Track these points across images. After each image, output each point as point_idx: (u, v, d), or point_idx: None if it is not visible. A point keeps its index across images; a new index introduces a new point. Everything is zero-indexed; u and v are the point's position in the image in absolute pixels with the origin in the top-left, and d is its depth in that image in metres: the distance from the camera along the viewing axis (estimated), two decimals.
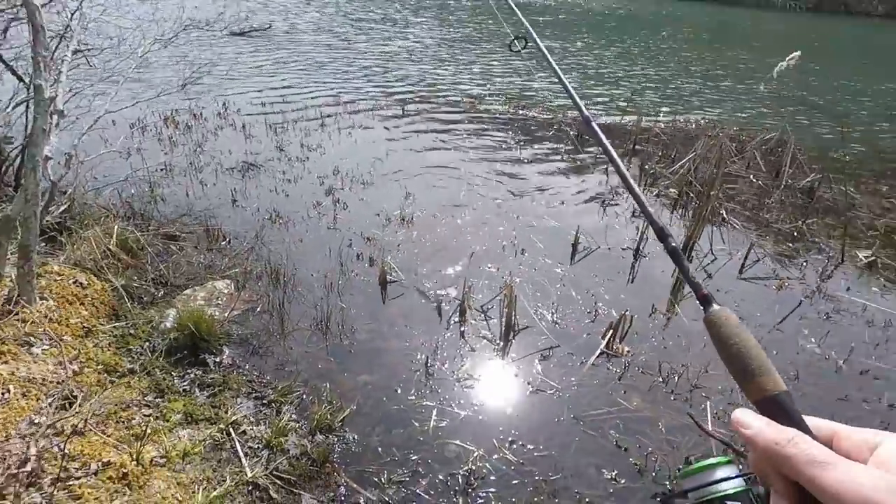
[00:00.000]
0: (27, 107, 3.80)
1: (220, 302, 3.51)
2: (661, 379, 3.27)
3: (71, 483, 1.96)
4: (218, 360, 3.03)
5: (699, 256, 4.73)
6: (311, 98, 8.62)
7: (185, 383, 2.79)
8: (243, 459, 2.37)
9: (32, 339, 2.61)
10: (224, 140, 6.51)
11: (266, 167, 5.83)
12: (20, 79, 3.99)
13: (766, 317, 3.92)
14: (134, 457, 2.16)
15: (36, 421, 2.18)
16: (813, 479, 0.39)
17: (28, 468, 1.96)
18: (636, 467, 2.69)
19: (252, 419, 2.64)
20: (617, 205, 5.62)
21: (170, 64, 8.98)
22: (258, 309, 3.55)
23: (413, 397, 2.97)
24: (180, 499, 2.09)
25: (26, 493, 1.87)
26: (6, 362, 2.42)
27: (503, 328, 3.55)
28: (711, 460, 0.58)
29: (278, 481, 2.33)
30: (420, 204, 5.27)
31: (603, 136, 0.90)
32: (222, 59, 10.70)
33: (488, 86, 10.53)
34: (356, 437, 2.68)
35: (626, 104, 9.42)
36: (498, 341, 3.50)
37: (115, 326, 3.02)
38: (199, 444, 2.39)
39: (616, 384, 3.21)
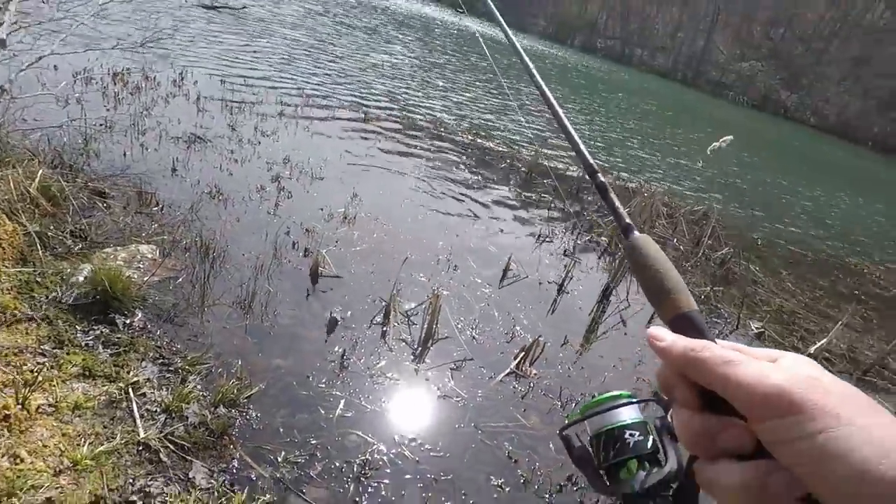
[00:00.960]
0: None
1: (140, 266, 3.41)
2: (559, 403, 3.50)
3: None
4: (128, 321, 2.95)
5: (617, 301, 5.09)
6: (275, 87, 8.54)
7: (88, 338, 2.70)
8: (138, 420, 2.33)
9: None
10: (174, 108, 6.33)
11: (214, 143, 5.72)
12: None
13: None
14: (19, 401, 2.08)
15: None
16: (727, 376, 0.40)
17: None
18: (523, 479, 2.86)
19: (154, 383, 2.59)
20: (551, 242, 5.95)
21: (130, 20, 8.65)
22: (180, 279, 3.48)
23: (323, 386, 3.02)
24: (63, 449, 2.03)
25: None
26: None
27: (423, 335, 3.67)
28: (612, 392, 0.58)
29: (171, 446, 2.30)
30: (365, 206, 5.35)
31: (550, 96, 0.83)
32: (188, 28, 10.41)
33: (455, 112, 10.86)
34: (259, 415, 2.69)
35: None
36: (416, 346, 3.62)
37: (20, 271, 2.88)
38: (94, 399, 2.32)
39: (518, 402, 3.40)
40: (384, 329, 3.69)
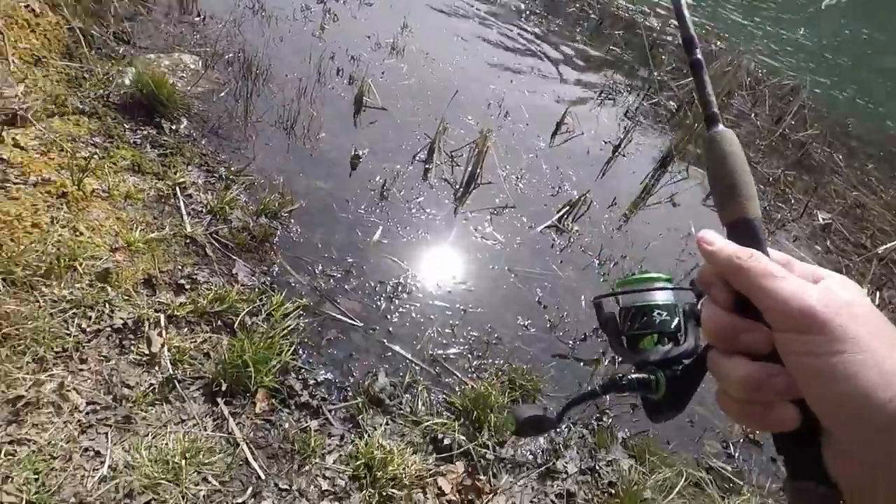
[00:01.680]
0: None
1: (183, 75, 3.33)
2: (597, 261, 3.45)
3: (8, 185, 1.97)
4: (174, 127, 2.95)
5: (674, 171, 4.77)
6: None
7: (136, 137, 2.73)
8: (185, 216, 2.43)
9: None
10: None
11: None
12: None
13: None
14: (75, 182, 2.17)
15: None
16: (765, 288, 0.41)
17: None
18: (549, 323, 2.93)
19: (200, 186, 2.65)
20: (613, 101, 5.47)
21: None
22: (223, 93, 3.40)
23: (362, 212, 3.04)
24: (117, 231, 2.15)
25: None
26: None
27: (466, 176, 3.58)
28: (651, 273, 0.60)
29: (216, 243, 2.41)
30: (415, 39, 4.95)
31: None
32: None
33: None
34: (299, 229, 2.77)
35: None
36: (458, 187, 3.55)
37: (67, 65, 2.85)
38: (143, 192, 2.41)
39: (556, 254, 3.38)
40: (427, 166, 3.60)
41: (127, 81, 3.00)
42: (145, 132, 2.78)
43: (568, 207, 3.63)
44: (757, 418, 0.43)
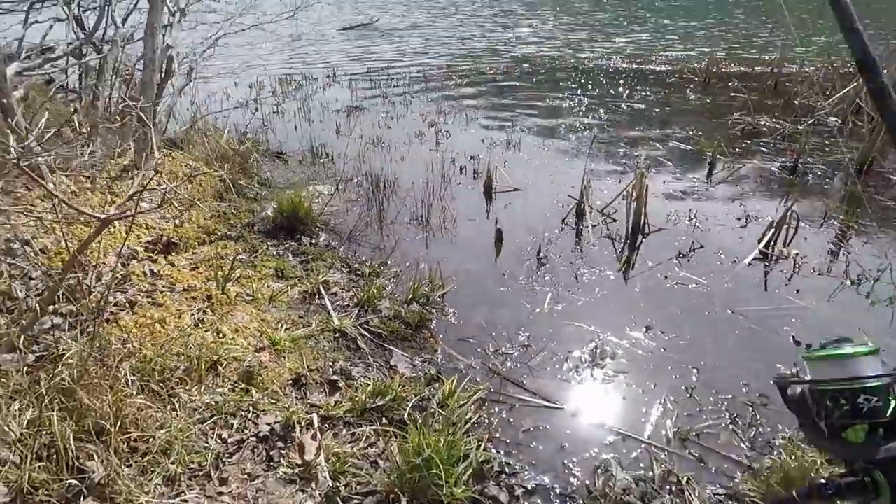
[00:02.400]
0: None
1: (319, 200, 3.36)
2: (840, 281, 2.52)
3: (155, 293, 1.82)
4: (314, 241, 2.85)
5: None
6: (416, 64, 8.59)
7: (279, 250, 2.63)
8: (331, 311, 2.11)
9: (145, 194, 2.59)
10: (331, 93, 6.60)
11: (369, 109, 5.77)
12: None
13: None
14: (220, 288, 1.99)
15: (134, 248, 2.10)
16: None
17: (119, 276, 1.85)
18: None
19: (343, 284, 2.39)
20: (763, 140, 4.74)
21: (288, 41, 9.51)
22: (356, 207, 3.35)
23: (523, 283, 2.54)
24: (262, 331, 1.86)
25: (111, 294, 1.74)
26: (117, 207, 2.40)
27: (630, 227, 3.00)
28: (855, 348, 0.51)
29: (367, 334, 2.03)
30: (527, 132, 4.86)
31: None
32: (331, 44, 11.18)
33: (602, 47, 9.83)
34: (457, 311, 2.32)
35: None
36: (623, 239, 2.96)
37: (218, 205, 2.97)
38: (287, 293, 2.17)
39: (783, 284, 2.52)
40: (579, 227, 3.11)
41: (269, 212, 3.05)
42: (287, 245, 2.70)
43: (772, 231, 2.82)
44: None
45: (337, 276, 2.45)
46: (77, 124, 3.13)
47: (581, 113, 5.55)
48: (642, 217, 3.02)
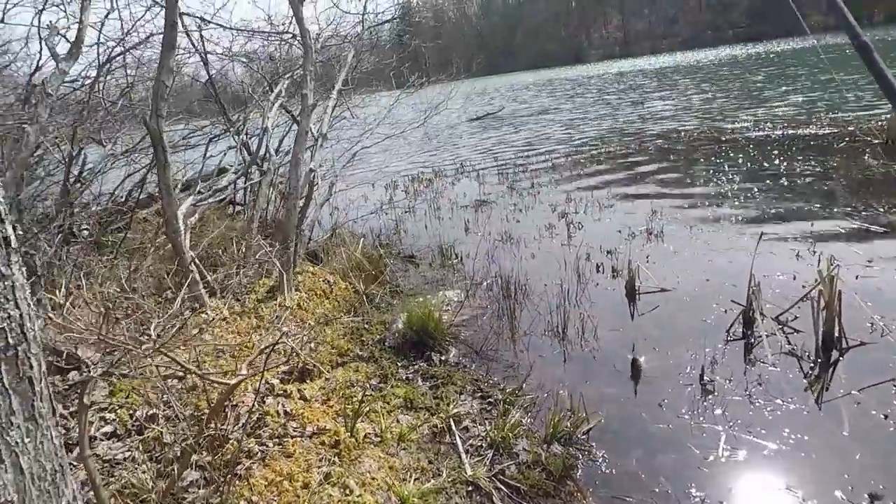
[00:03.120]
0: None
1: (448, 307, 3.29)
2: None
3: (286, 439, 1.79)
4: (443, 357, 2.73)
5: None
6: (542, 151, 8.65)
7: (408, 373, 2.54)
8: (463, 456, 1.91)
9: (282, 319, 2.73)
10: (460, 187, 6.83)
11: (498, 202, 5.80)
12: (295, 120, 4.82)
13: None
14: (348, 429, 1.92)
15: (271, 381, 2.15)
16: None
17: (254, 418, 1.87)
18: None
19: (475, 416, 2.19)
20: None
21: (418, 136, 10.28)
22: (486, 315, 3.21)
23: (686, 417, 2.12)
24: (390, 483, 1.72)
25: (246, 441, 1.75)
26: (260, 335, 2.54)
27: (819, 342, 2.43)
28: None
29: (504, 488, 1.78)
30: (669, 219, 4.44)
31: None
32: (462, 134, 11.83)
33: (743, 115, 9.07)
34: (606, 454, 1.97)
35: None
36: (811, 358, 2.39)
37: (352, 320, 3.03)
38: (417, 430, 2.03)
39: None
40: (748, 341, 2.60)
41: (400, 325, 3.03)
42: (416, 366, 2.60)
43: None
44: None
45: (468, 405, 2.27)
46: (236, 242, 3.50)
47: (731, 193, 4.98)
48: (835, 327, 2.44)
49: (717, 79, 17.03)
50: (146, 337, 1.62)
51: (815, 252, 3.41)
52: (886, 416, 1.99)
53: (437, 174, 7.85)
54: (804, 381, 2.28)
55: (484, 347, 2.84)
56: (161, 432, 1.71)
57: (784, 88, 12.02)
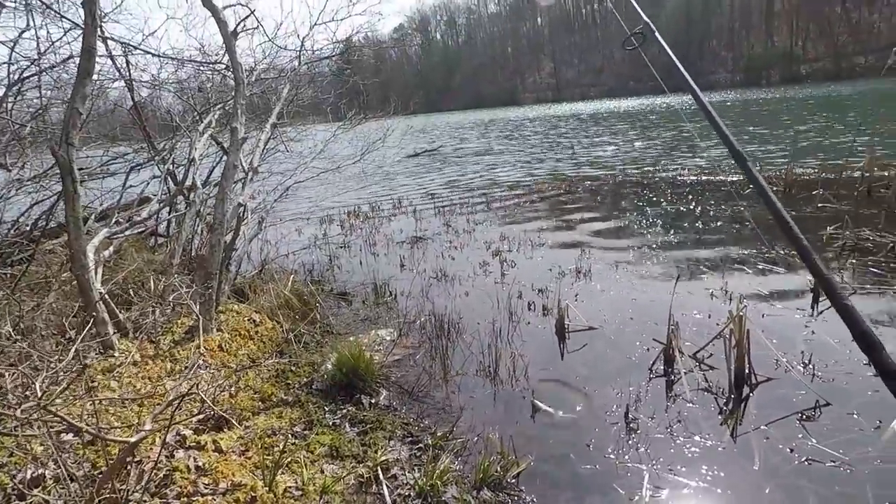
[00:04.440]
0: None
1: (380, 347, 3.22)
2: None
3: (195, 499, 1.64)
4: (374, 400, 2.64)
5: None
6: (477, 188, 8.88)
7: (336, 418, 2.43)
8: None
9: (202, 362, 2.55)
10: (396, 223, 6.83)
11: (434, 239, 5.83)
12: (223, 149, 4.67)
13: None
14: (267, 484, 1.79)
15: (182, 433, 1.98)
16: None
17: (160, 475, 1.70)
18: None
19: (404, 463, 2.11)
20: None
21: (355, 170, 10.26)
22: (419, 355, 3.16)
23: (612, 456, 2.16)
24: None
25: (150, 503, 1.58)
26: (174, 381, 2.36)
27: (732, 378, 2.58)
28: None
29: None
30: (596, 258, 4.64)
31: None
32: (399, 170, 11.92)
33: (659, 162, 9.80)
34: (535, 499, 1.96)
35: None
36: (725, 393, 2.53)
37: (277, 362, 2.89)
38: (342, 481, 1.93)
39: None
40: (670, 378, 2.71)
41: (329, 367, 2.92)
42: (345, 411, 2.50)
43: None
44: None
45: (398, 452, 2.19)
46: (155, 277, 3.27)
47: (652, 233, 5.30)
48: (745, 364, 2.61)
49: (648, 126, 18.39)
50: (30, 392, 1.45)
51: (727, 291, 3.67)
52: (792, 450, 2.12)
53: (374, 209, 7.83)
54: (719, 416, 2.40)
55: (415, 389, 2.78)
56: (46, 498, 1.51)
57: (701, 142, 13.14)
